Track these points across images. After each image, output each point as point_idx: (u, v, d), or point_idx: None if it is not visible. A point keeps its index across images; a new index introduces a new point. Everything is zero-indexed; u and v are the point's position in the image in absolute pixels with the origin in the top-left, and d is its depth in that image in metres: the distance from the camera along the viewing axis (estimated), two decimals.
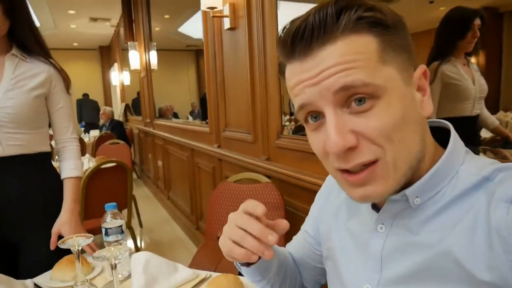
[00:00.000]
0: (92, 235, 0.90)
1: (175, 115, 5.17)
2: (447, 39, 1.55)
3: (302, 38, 0.48)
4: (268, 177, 1.79)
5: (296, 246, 0.83)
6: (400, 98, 0.48)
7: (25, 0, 1.24)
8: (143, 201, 4.68)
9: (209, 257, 1.58)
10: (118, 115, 7.64)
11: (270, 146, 1.85)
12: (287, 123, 1.90)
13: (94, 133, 6.20)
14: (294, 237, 0.86)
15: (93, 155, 4.25)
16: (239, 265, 0.70)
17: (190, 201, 3.32)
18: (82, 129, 7.48)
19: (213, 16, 2.20)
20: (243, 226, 0.56)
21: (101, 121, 6.38)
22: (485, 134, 1.36)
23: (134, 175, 6.38)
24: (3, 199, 1.19)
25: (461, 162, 0.53)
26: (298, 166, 1.63)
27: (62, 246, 0.86)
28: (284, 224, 0.59)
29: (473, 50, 1.52)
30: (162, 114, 4.94)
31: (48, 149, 1.32)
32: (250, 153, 2.05)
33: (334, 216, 0.70)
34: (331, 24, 0.47)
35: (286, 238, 1.04)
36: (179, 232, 3.58)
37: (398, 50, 0.49)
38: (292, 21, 0.50)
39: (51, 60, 1.29)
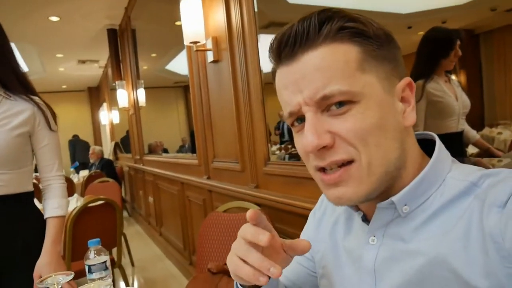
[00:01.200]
0: (72, 272, 0.87)
1: (165, 151, 5.16)
2: (431, 58, 1.60)
3: (287, 44, 0.52)
4: (259, 205, 1.77)
5: (289, 274, 0.78)
6: (378, 104, 0.51)
7: (9, 44, 1.26)
8: (135, 239, 4.57)
9: None
10: (108, 153, 7.60)
11: (259, 174, 1.85)
12: (277, 152, 1.91)
13: (84, 173, 6.14)
14: (287, 267, 0.82)
15: (82, 194, 4.18)
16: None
17: (182, 236, 3.25)
18: (72, 169, 7.39)
19: (197, 50, 2.26)
20: (242, 256, 0.52)
21: (91, 161, 6.33)
22: (472, 149, 1.38)
23: (126, 213, 6.27)
24: None
25: (448, 170, 0.54)
26: (287, 191, 1.62)
27: (40, 286, 0.83)
28: (303, 244, 0.55)
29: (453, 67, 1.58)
30: (152, 151, 4.93)
31: (31, 188, 1.30)
32: (239, 182, 2.04)
33: (329, 234, 0.69)
34: (313, 32, 0.50)
35: None
36: (172, 269, 3.48)
37: (381, 60, 0.52)
38: (281, 31, 0.54)
39: (35, 98, 1.29)
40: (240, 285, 0.62)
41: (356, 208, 0.60)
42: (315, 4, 1.57)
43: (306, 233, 0.77)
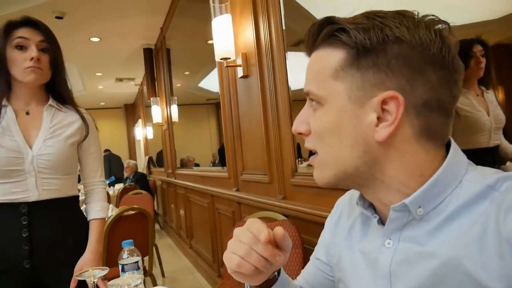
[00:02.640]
0: (107, 268, 0.94)
1: (197, 166, 5.28)
2: None
3: (306, 42, 0.60)
4: (286, 216, 1.79)
5: (307, 277, 0.80)
6: (338, 112, 0.55)
7: (63, 62, 1.38)
8: (166, 251, 4.66)
9: None
10: (142, 168, 7.84)
11: (286, 185, 1.88)
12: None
13: (119, 186, 6.36)
14: (303, 270, 0.83)
15: (117, 206, 4.34)
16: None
17: (211, 248, 3.30)
18: (107, 182, 7.63)
19: (227, 66, 2.34)
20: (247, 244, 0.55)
21: (126, 174, 6.56)
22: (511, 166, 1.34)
23: (157, 226, 6.41)
24: (39, 241, 1.25)
25: (464, 173, 0.53)
26: (314, 202, 1.64)
27: (78, 278, 0.90)
28: (278, 232, 0.55)
29: (487, 80, 1.54)
30: (184, 165, 5.05)
31: (77, 193, 1.41)
32: (267, 194, 2.07)
33: (345, 238, 0.69)
34: (315, 35, 0.57)
35: None
36: (201, 281, 3.52)
37: (362, 70, 0.52)
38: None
39: (81, 109, 1.41)
40: (250, 286, 0.65)
41: (372, 211, 0.61)
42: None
43: (323, 238, 0.78)
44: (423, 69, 0.51)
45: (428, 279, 0.51)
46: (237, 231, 0.58)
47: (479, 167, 0.56)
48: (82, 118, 1.38)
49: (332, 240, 0.74)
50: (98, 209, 1.39)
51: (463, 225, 0.49)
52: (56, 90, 1.36)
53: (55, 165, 1.28)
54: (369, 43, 0.51)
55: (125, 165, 6.44)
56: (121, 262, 1.06)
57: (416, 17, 0.53)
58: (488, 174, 0.51)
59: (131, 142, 11.27)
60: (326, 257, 0.76)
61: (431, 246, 0.51)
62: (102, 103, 10.53)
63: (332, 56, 0.55)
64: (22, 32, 1.23)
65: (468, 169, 0.54)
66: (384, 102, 0.51)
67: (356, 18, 0.53)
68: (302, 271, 0.83)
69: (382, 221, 0.60)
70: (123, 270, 1.06)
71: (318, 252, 0.79)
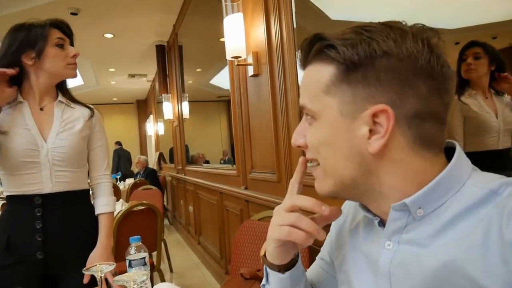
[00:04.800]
0: (114, 263, 0.96)
1: (207, 162, 5.31)
2: (458, 73, 1.58)
3: (300, 57, 0.61)
4: None
5: (312, 276, 0.82)
6: (330, 126, 0.57)
7: None
8: (175, 247, 4.70)
9: None
10: (153, 163, 7.91)
11: None
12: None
13: (129, 181, 6.43)
14: (308, 269, 0.84)
15: (127, 200, 4.39)
16: (269, 272, 0.70)
17: (219, 246, 3.32)
18: (115, 177, 7.68)
19: (238, 65, 2.35)
20: (295, 223, 0.60)
21: (136, 169, 6.63)
22: None
23: (167, 221, 6.47)
24: (53, 233, 1.29)
25: (467, 177, 0.53)
26: (323, 202, 1.63)
27: (86, 273, 0.92)
28: (335, 212, 0.63)
29: (493, 82, 1.53)
30: (194, 162, 5.09)
31: (87, 186, 1.44)
32: (275, 193, 2.08)
33: (349, 240, 0.70)
34: (306, 51, 0.59)
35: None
36: (208, 277, 3.55)
37: (353, 83, 0.53)
38: None
39: (88, 104, 1.46)
40: (270, 268, 0.69)
41: (373, 213, 0.61)
42: (357, 20, 1.58)
43: (329, 239, 0.79)
44: (412, 81, 0.52)
45: (427, 281, 0.51)
46: (278, 207, 0.64)
47: (483, 172, 0.56)
48: (90, 112, 1.43)
49: (337, 241, 0.75)
50: (104, 203, 1.42)
51: (465, 229, 0.49)
52: (65, 87, 1.42)
53: (68, 157, 1.32)
54: (357, 58, 0.52)
55: (135, 160, 6.51)
56: (128, 257, 1.08)
57: (403, 28, 0.54)
58: (492, 179, 0.51)
59: (142, 137, 11.38)
60: (330, 258, 0.77)
61: (432, 248, 0.52)
62: (115, 99, 10.65)
63: (323, 72, 0.56)
64: (58, 33, 1.33)
65: (472, 174, 0.54)
66: (375, 115, 0.53)
67: (345, 33, 0.54)
68: (307, 270, 0.83)
69: (383, 224, 0.60)
70: (130, 266, 1.07)
71: (323, 252, 0.81)
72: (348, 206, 0.76)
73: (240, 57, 2.24)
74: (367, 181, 0.57)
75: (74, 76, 1.38)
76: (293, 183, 0.67)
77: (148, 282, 1.06)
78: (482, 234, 0.47)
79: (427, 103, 0.52)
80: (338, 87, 0.55)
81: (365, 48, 0.52)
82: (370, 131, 0.54)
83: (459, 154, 0.55)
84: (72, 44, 1.39)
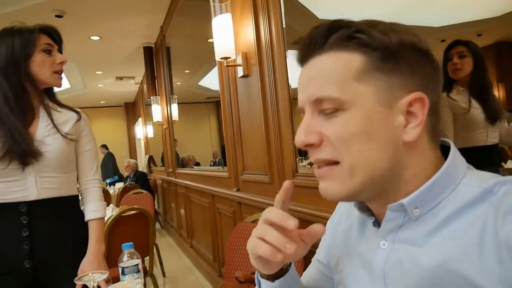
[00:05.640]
0: (107, 272, 0.93)
1: (197, 165, 5.28)
2: (444, 71, 1.60)
3: (303, 48, 0.57)
4: None
5: (308, 279, 0.81)
6: (366, 115, 0.52)
7: None
8: (167, 251, 4.66)
9: None
10: (143, 167, 7.84)
11: None
12: (308, 166, 1.92)
13: (119, 185, 6.36)
14: (305, 272, 0.84)
15: (118, 205, 4.33)
16: (260, 280, 0.68)
17: (212, 248, 3.30)
18: (108, 181, 7.59)
19: (227, 66, 2.33)
20: (261, 235, 0.56)
21: (126, 173, 6.56)
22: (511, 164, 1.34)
23: (158, 225, 6.42)
24: (40, 240, 1.26)
25: (462, 176, 0.54)
26: (314, 203, 1.63)
27: (78, 282, 0.89)
28: (318, 228, 0.57)
29: (480, 80, 1.54)
30: (184, 164, 5.05)
31: (76, 192, 1.41)
32: (268, 194, 2.06)
33: (344, 240, 0.70)
34: (322, 39, 0.55)
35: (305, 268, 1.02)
36: (202, 281, 3.52)
37: (387, 72, 0.52)
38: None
39: (76, 108, 1.43)
40: (261, 276, 0.66)
41: (369, 213, 0.61)
42: (346, 18, 1.59)
43: (324, 241, 0.79)
44: (430, 74, 0.55)
45: (423, 280, 0.51)
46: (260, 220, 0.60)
47: (478, 171, 0.56)
48: (77, 116, 1.40)
49: (332, 242, 0.75)
50: (93, 209, 1.38)
51: (460, 228, 0.49)
52: (52, 91, 1.39)
53: (54, 162, 1.28)
54: (392, 45, 0.52)
55: (125, 164, 6.43)
56: (121, 265, 1.06)
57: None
58: (486, 178, 0.51)
59: (131, 140, 11.28)
60: (326, 259, 0.77)
61: (427, 247, 0.52)
62: (103, 102, 10.53)
63: (351, 59, 0.53)
64: (46, 38, 1.31)
65: (467, 173, 0.54)
66: (410, 104, 0.53)
67: (366, 22, 0.54)
68: (303, 273, 0.83)
69: (378, 223, 0.60)
70: (123, 273, 1.05)
71: (319, 254, 0.80)
72: (343, 207, 0.77)
73: (230, 58, 2.22)
74: (392, 175, 0.54)
75: (59, 85, 1.36)
76: (277, 201, 0.60)
77: None
78: (478, 234, 0.47)
79: (437, 95, 0.56)
80: (372, 74, 0.53)
81: (397, 36, 0.52)
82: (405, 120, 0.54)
83: (454, 153, 0.56)
84: (60, 51, 1.36)
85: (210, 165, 5.74)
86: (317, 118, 0.56)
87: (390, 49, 0.52)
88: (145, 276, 2.82)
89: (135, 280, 0.86)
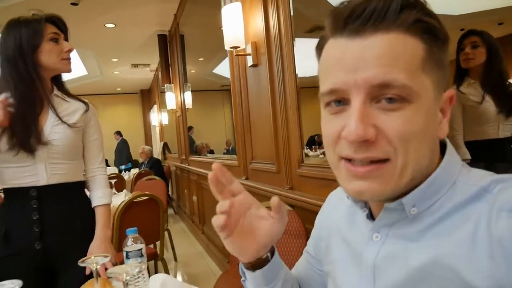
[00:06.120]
0: (109, 255, 0.98)
1: (211, 152, 5.33)
2: (457, 63, 1.57)
3: (360, 17, 0.47)
4: (292, 206, 1.81)
5: (299, 269, 0.82)
6: (426, 110, 0.49)
7: None
8: (179, 236, 4.76)
9: (230, 283, 1.59)
10: (157, 153, 7.95)
11: (293, 175, 1.89)
12: (321, 156, 1.93)
13: (134, 171, 6.48)
14: (297, 262, 0.85)
15: (131, 191, 4.43)
16: (244, 270, 0.68)
17: None
18: (123, 168, 7.69)
19: (237, 55, 2.34)
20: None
21: (141, 159, 6.67)
22: None
23: (172, 211, 6.53)
24: (49, 224, 1.31)
25: (458, 174, 0.53)
26: (319, 193, 1.64)
27: (81, 265, 0.94)
28: (272, 200, 0.61)
29: (494, 71, 1.51)
30: (197, 152, 5.11)
31: (83, 178, 1.46)
32: (275, 183, 2.08)
33: (334, 231, 0.70)
34: (392, 14, 0.47)
35: None
36: (212, 266, 3.60)
37: (438, 64, 0.50)
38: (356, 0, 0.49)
39: (83, 99, 1.48)
40: (244, 267, 0.68)
41: (362, 204, 0.60)
42: None
43: (314, 232, 0.80)
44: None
45: (412, 275, 0.51)
46: None
47: (473, 169, 0.55)
48: (85, 106, 1.44)
49: (321, 233, 0.75)
50: (100, 195, 1.43)
51: (454, 225, 0.49)
52: (60, 81, 1.43)
53: (62, 150, 1.33)
54: (447, 35, 0.50)
55: (140, 151, 6.54)
56: (125, 249, 1.10)
57: None
58: (482, 176, 0.51)
59: (147, 127, 11.41)
60: (314, 251, 0.78)
61: (420, 243, 0.51)
62: (119, 89, 10.66)
63: (416, 45, 0.48)
64: (53, 27, 1.34)
65: (462, 171, 0.54)
66: (446, 100, 0.53)
67: (420, 2, 0.49)
68: (296, 263, 0.85)
69: (371, 215, 0.60)
70: (127, 257, 1.09)
71: (309, 246, 0.81)
72: (334, 198, 0.77)
73: (239, 47, 2.22)
74: (426, 170, 0.52)
75: (69, 71, 1.39)
76: (215, 194, 0.62)
77: (146, 273, 1.08)
78: (470, 229, 0.47)
79: None
80: (431, 65, 0.48)
81: (446, 29, 0.50)
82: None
83: (450, 151, 0.55)
84: (66, 39, 1.39)
85: (224, 153, 5.79)
86: (371, 108, 0.48)
87: (445, 40, 0.50)
88: (156, 260, 2.90)
89: (134, 264, 0.89)
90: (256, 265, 0.66)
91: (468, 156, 1.45)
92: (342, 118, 0.50)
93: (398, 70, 0.46)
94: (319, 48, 0.55)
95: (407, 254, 0.52)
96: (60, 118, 1.34)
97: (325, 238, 0.73)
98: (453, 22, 1.43)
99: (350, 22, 0.48)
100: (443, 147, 0.56)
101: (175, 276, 3.48)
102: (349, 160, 0.50)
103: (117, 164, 8.20)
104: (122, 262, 1.13)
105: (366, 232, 0.59)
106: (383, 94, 0.47)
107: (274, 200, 0.59)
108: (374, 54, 0.47)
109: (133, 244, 1.10)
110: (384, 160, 0.48)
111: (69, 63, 1.38)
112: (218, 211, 0.58)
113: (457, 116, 1.55)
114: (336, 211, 0.72)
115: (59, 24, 1.37)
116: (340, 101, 0.51)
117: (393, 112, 0.47)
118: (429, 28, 0.48)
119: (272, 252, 0.68)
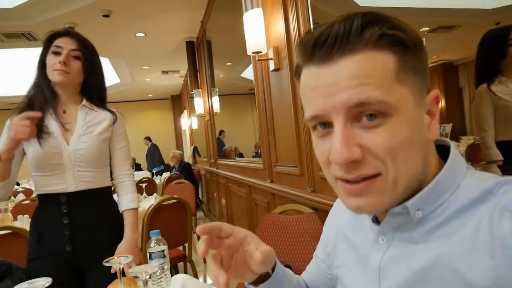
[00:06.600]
0: (131, 255, 1.03)
1: (241, 155, 5.38)
2: (487, 61, 1.50)
3: (325, 44, 0.49)
4: (315, 209, 1.81)
5: (309, 273, 0.84)
6: (410, 119, 0.49)
7: (101, 67, 1.52)
8: None
9: None
10: (188, 157, 8.11)
11: (315, 178, 1.89)
12: None
13: (166, 174, 6.64)
14: (308, 266, 0.86)
15: (162, 194, 4.56)
16: (246, 284, 0.71)
17: None
18: (154, 171, 7.88)
19: (259, 60, 2.37)
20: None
21: (171, 163, 6.84)
22: None
23: (202, 214, 6.64)
24: (78, 227, 1.40)
25: (463, 177, 0.53)
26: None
27: (106, 265, 1.00)
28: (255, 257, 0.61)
29: None
30: (226, 155, 5.18)
31: (109, 184, 1.54)
32: (298, 186, 2.09)
33: (340, 235, 0.71)
34: (355, 35, 0.48)
35: None
36: None
37: (414, 71, 0.50)
38: (317, 27, 0.51)
39: (111, 108, 1.55)
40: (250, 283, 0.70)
41: None
42: (389, 5, 1.51)
43: (322, 236, 0.81)
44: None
45: (416, 276, 0.52)
46: None
47: (478, 171, 0.56)
48: (112, 116, 1.51)
49: (329, 238, 0.76)
50: (129, 200, 1.50)
51: (457, 226, 0.50)
52: (88, 92, 1.49)
53: (89, 159, 1.41)
54: (418, 41, 0.51)
55: (170, 155, 6.71)
56: (149, 250, 1.15)
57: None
58: (487, 178, 0.51)
59: (177, 132, 11.67)
60: (323, 255, 0.79)
61: (424, 245, 0.52)
62: (150, 95, 10.98)
63: (387, 58, 0.49)
64: (59, 41, 1.40)
65: (467, 174, 0.54)
66: (431, 101, 0.54)
67: (384, 16, 0.50)
68: (306, 267, 0.86)
69: (376, 219, 0.61)
70: (150, 258, 1.15)
71: (318, 250, 0.82)
72: (341, 202, 0.77)
73: (261, 52, 2.25)
74: (422, 175, 0.53)
75: (60, 81, 1.39)
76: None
77: (168, 273, 1.13)
78: (472, 230, 0.47)
79: None
80: (406, 74, 0.49)
81: (414, 30, 0.51)
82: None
83: (454, 154, 0.55)
84: (79, 50, 1.42)
85: (252, 156, 5.82)
86: (353, 128, 0.49)
87: (416, 46, 0.50)
88: (185, 262, 2.97)
89: (154, 264, 0.94)
90: (258, 281, 0.68)
91: (500, 157, 1.40)
92: (328, 141, 0.52)
93: (372, 88, 0.47)
94: (297, 76, 0.57)
95: (411, 256, 0.53)
96: (86, 128, 1.42)
97: (333, 242, 0.74)
98: (488, 16, 1.39)
99: (317, 51, 0.50)
100: (447, 150, 0.56)
101: (204, 278, 3.54)
102: (345, 180, 0.52)
103: (150, 168, 8.44)
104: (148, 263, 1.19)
105: (372, 235, 0.60)
106: (362, 112, 0.49)
107: (258, 257, 0.61)
108: (344, 77, 0.48)
109: (156, 245, 1.15)
110: (376, 175, 0.50)
111: (60, 73, 1.36)
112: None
113: (488, 116, 1.49)
114: (343, 215, 0.73)
115: (62, 33, 1.41)
116: (325, 123, 0.52)
117: (375, 129, 0.48)
118: (397, 40, 0.48)
119: (273, 266, 0.69)
